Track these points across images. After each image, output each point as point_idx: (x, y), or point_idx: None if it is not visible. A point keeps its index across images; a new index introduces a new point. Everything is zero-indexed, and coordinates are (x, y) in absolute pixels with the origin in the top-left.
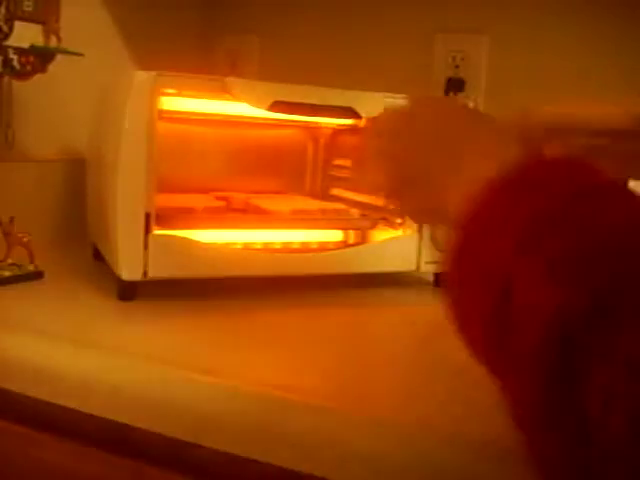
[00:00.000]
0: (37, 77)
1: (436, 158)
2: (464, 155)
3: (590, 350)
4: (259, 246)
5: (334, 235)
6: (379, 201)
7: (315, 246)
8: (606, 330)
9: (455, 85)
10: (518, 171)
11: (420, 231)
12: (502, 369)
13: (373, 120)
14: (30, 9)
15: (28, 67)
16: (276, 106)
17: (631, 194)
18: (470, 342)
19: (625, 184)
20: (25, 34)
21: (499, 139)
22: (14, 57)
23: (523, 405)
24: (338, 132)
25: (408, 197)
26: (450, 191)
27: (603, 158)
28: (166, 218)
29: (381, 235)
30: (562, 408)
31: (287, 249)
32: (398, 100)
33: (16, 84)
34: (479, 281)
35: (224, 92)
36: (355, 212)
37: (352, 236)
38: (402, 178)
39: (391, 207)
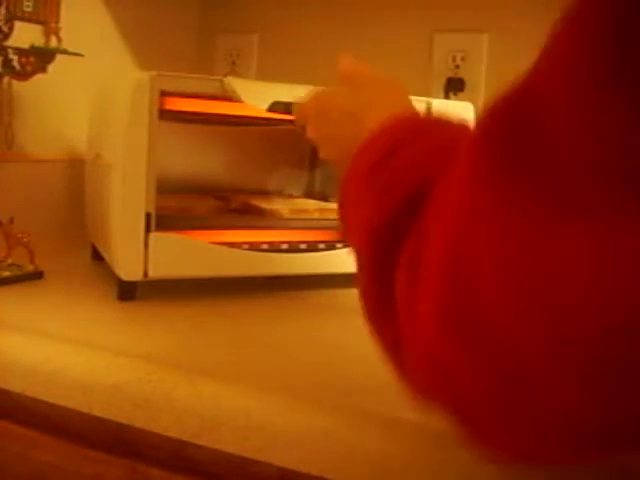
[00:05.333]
0: (37, 77)
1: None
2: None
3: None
4: (258, 246)
5: (333, 235)
6: None
7: (314, 246)
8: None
9: (455, 85)
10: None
11: None
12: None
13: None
14: (30, 9)
15: (28, 67)
16: (276, 106)
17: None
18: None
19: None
20: (25, 34)
21: (394, 96)
22: (14, 57)
23: (365, 299)
24: None
25: (330, 148)
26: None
27: None
28: (166, 218)
29: None
30: (386, 298)
31: (286, 249)
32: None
33: (16, 84)
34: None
35: (223, 92)
36: None
37: None
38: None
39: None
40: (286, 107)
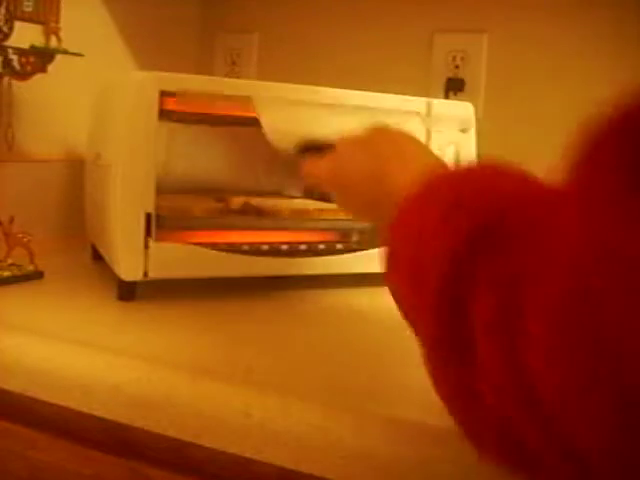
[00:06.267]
0: (37, 77)
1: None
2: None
3: (474, 276)
4: (258, 247)
5: (333, 235)
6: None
7: (314, 246)
8: (489, 251)
9: (455, 85)
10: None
11: None
12: (416, 312)
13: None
14: (30, 9)
15: (28, 67)
16: (303, 147)
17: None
18: (397, 293)
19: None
20: (25, 34)
21: (419, 150)
22: (14, 57)
23: (426, 341)
24: None
25: (353, 203)
26: (388, 191)
27: None
28: (166, 218)
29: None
30: (454, 339)
31: (286, 250)
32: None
33: (16, 84)
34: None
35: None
36: None
37: (351, 236)
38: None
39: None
40: (312, 146)
